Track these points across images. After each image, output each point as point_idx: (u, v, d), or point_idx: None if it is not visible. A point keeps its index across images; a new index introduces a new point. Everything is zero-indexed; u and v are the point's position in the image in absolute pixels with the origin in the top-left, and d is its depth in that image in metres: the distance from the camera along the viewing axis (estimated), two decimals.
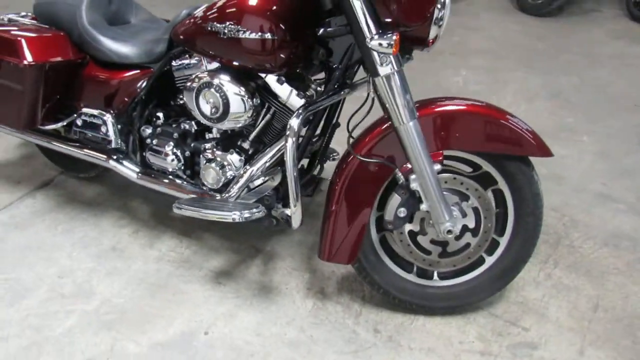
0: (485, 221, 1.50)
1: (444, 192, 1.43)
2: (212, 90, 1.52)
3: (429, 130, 1.39)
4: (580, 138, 2.68)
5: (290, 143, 1.40)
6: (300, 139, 1.60)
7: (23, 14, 2.03)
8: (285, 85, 1.53)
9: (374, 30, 1.25)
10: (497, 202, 1.52)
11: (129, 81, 1.76)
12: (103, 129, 1.79)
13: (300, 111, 1.42)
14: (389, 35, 1.22)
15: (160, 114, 1.81)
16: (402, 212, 1.45)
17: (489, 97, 3.12)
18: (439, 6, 1.28)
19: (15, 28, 1.82)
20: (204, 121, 1.61)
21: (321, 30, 1.43)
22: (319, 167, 1.86)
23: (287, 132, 1.40)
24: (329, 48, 1.52)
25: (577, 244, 1.93)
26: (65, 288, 1.74)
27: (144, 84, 1.73)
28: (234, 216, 1.54)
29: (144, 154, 1.83)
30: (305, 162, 1.82)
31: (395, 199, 1.45)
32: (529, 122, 1.45)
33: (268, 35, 1.38)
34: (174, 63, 1.68)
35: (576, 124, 2.83)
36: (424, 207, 1.43)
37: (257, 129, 1.63)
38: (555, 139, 2.61)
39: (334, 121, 1.72)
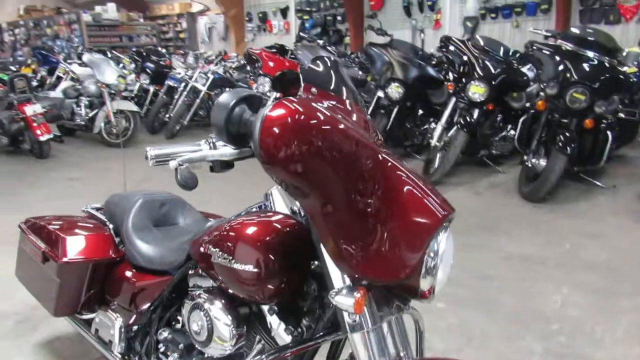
0: None
1: None
2: (202, 313, 1.45)
3: None
4: None
5: None
6: None
7: (97, 206, 2.25)
8: (275, 316, 1.39)
9: (339, 284, 1.09)
10: None
11: (150, 285, 1.78)
12: (111, 331, 1.79)
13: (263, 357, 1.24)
14: (353, 293, 1.05)
15: (180, 319, 1.77)
16: None
17: (591, 327, 2.59)
18: (431, 254, 1.05)
19: (69, 223, 2.00)
20: (193, 342, 1.51)
21: (314, 264, 1.33)
22: None
23: None
24: (325, 283, 1.38)
25: None
26: None
27: (163, 289, 1.73)
28: None
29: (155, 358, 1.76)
30: None
31: None
32: None
33: (256, 269, 1.29)
34: (190, 272, 1.67)
35: None
36: None
37: (250, 356, 1.47)
38: None
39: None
